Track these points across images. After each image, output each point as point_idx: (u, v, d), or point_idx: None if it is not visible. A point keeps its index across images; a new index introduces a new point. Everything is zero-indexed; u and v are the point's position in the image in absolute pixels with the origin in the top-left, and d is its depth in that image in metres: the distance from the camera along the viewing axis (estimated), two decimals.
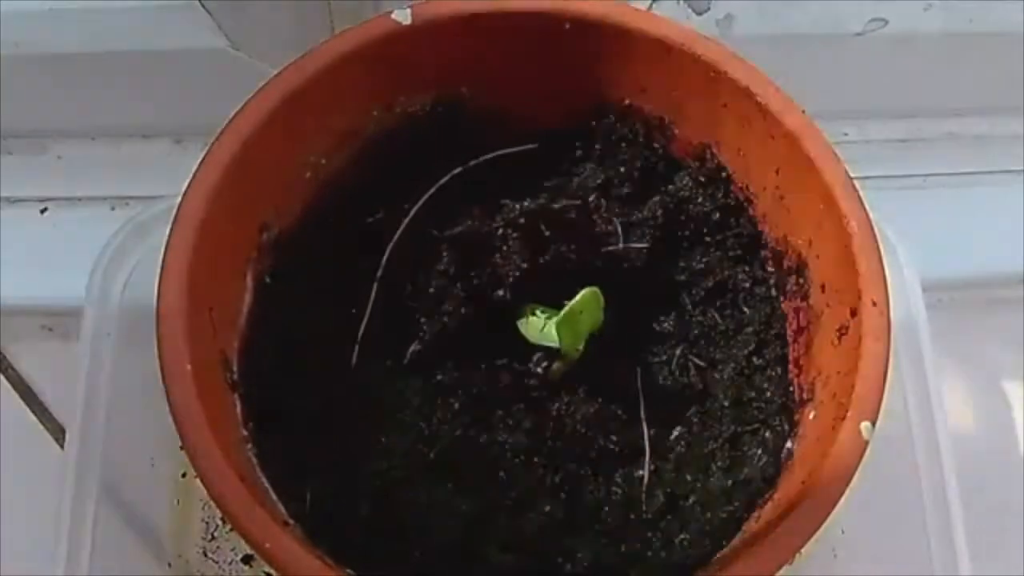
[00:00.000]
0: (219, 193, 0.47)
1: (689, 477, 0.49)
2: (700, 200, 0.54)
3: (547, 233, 0.54)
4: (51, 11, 0.65)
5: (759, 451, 0.49)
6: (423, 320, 0.52)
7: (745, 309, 0.53)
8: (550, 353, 0.50)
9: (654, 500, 0.49)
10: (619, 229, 0.55)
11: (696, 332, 0.53)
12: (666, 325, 0.53)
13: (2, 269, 0.69)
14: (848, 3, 0.67)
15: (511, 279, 0.52)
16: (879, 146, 0.76)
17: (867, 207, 0.47)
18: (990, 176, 0.76)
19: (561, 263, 0.53)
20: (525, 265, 0.52)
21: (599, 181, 0.55)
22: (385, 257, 0.53)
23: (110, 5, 0.65)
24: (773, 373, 0.51)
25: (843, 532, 0.58)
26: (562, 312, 0.48)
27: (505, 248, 0.52)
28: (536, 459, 0.49)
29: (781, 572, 0.41)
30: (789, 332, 0.51)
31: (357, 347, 0.52)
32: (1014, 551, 0.65)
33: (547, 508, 0.48)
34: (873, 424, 0.43)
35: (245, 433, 0.48)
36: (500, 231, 0.52)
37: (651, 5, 0.66)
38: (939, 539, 0.55)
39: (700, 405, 0.51)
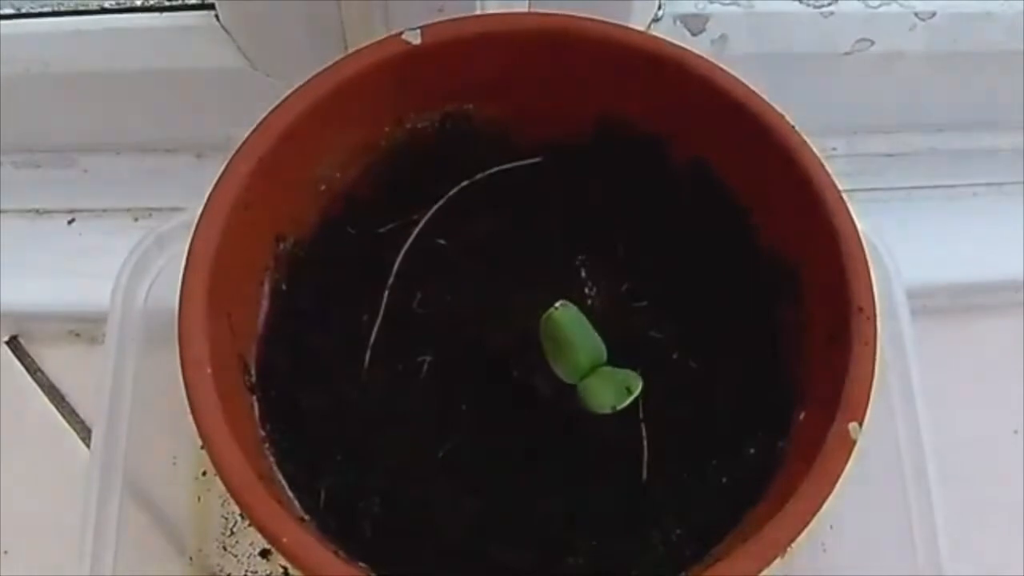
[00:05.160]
0: (238, 205, 0.47)
1: (686, 476, 0.49)
2: (697, 210, 0.54)
3: (549, 243, 0.55)
4: (78, 32, 0.65)
5: (753, 450, 0.49)
6: (432, 326, 0.52)
7: (740, 314, 0.52)
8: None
9: (652, 498, 0.49)
10: (618, 239, 0.55)
11: (693, 335, 0.53)
12: (663, 329, 0.53)
13: (32, 277, 0.69)
14: (837, 24, 0.67)
15: (514, 287, 0.52)
16: (866, 160, 0.76)
17: (855, 218, 0.47)
18: (971, 188, 0.76)
19: (561, 273, 0.53)
20: (528, 274, 0.52)
21: (600, 193, 0.55)
22: (396, 266, 0.53)
23: (134, 26, 0.66)
24: (766, 375, 0.50)
25: (831, 527, 0.58)
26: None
27: (507, 258, 0.52)
28: (540, 460, 0.49)
29: (772, 566, 0.41)
30: (782, 336, 0.51)
31: (369, 352, 0.52)
32: (995, 548, 0.65)
33: (550, 507, 0.48)
34: (861, 424, 0.43)
35: (263, 433, 0.48)
36: (504, 242, 0.52)
37: (649, 25, 0.66)
38: (923, 535, 0.55)
39: (697, 406, 0.51)
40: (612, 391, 0.46)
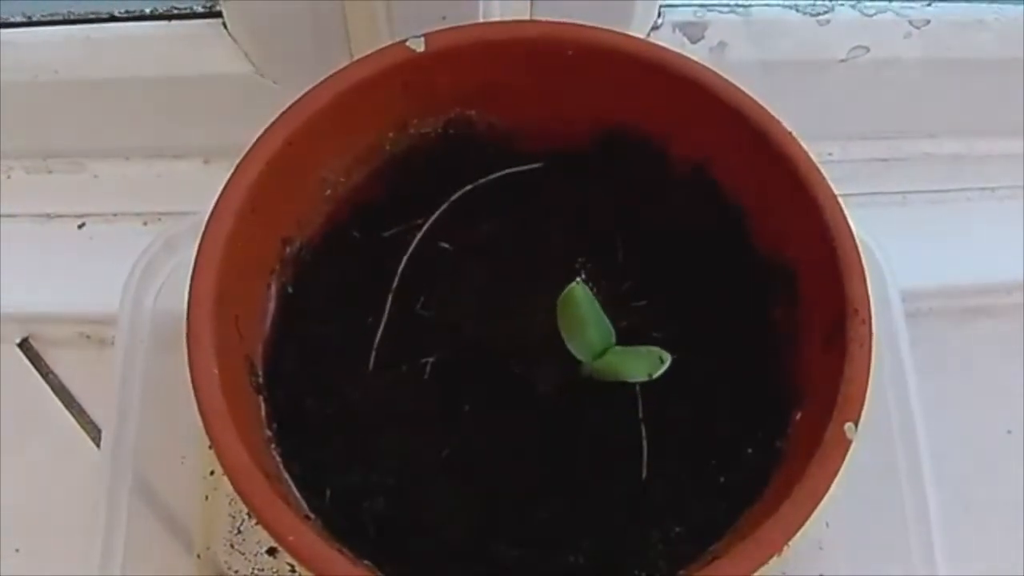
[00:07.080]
0: (245, 209, 0.47)
1: (685, 475, 0.49)
2: (695, 213, 0.54)
3: (550, 246, 0.55)
4: (87, 39, 0.66)
5: (751, 450, 0.49)
6: (435, 328, 0.52)
7: (739, 315, 0.52)
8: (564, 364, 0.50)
9: (652, 497, 0.49)
10: (618, 242, 0.55)
11: (692, 336, 0.53)
12: (663, 329, 0.53)
13: (43, 280, 0.69)
14: (833, 32, 0.67)
15: (515, 289, 0.52)
16: (861, 165, 0.76)
17: (851, 222, 0.47)
18: (965, 193, 0.76)
19: (562, 275, 0.53)
20: (529, 276, 0.52)
21: (600, 196, 0.55)
22: (400, 269, 0.53)
23: (143, 34, 0.66)
24: (764, 376, 0.50)
25: (828, 526, 0.58)
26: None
27: (509, 260, 0.52)
28: (542, 459, 0.49)
29: (769, 564, 0.41)
30: (779, 337, 0.51)
31: (374, 353, 0.52)
32: (990, 548, 0.65)
33: (551, 506, 0.48)
34: (856, 424, 0.43)
35: (269, 433, 0.48)
36: (506, 244, 0.52)
37: (649, 33, 0.66)
38: (918, 534, 0.55)
39: (696, 406, 0.51)
40: (644, 361, 0.47)
